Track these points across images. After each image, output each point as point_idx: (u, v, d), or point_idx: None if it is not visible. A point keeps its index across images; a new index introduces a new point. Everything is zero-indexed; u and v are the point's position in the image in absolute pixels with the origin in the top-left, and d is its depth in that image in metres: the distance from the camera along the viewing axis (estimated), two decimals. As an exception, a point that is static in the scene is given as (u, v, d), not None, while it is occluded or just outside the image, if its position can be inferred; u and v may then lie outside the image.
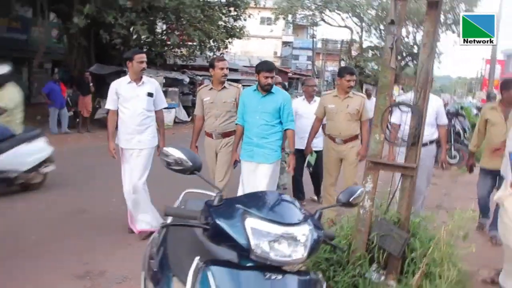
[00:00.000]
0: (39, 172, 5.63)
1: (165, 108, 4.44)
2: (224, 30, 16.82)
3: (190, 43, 16.01)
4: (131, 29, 13.35)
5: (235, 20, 17.66)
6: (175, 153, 1.62)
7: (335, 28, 32.39)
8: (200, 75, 18.47)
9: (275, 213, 1.49)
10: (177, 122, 15.91)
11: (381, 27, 29.95)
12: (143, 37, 13.89)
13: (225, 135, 4.25)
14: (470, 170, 4.76)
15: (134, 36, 13.96)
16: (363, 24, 31.51)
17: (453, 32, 29.01)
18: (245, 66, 25.40)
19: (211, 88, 4.30)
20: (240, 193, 3.97)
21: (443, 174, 7.85)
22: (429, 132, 4.27)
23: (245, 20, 17.88)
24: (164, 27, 16.11)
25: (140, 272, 2.27)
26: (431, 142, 4.54)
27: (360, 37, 32.45)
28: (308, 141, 4.77)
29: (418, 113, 2.73)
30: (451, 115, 9.25)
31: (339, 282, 2.61)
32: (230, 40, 17.41)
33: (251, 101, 3.88)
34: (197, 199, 2.28)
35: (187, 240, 1.96)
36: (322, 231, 1.58)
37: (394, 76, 2.79)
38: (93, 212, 4.92)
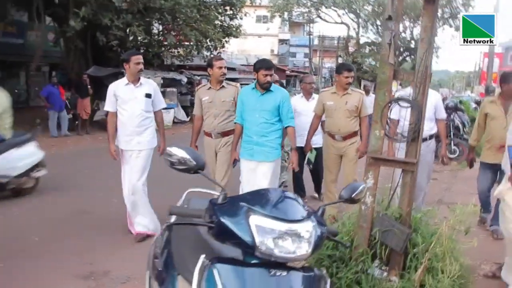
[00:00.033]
0: (31, 176, 5.56)
1: (164, 109, 4.45)
2: (221, 29, 16.80)
3: (187, 43, 15.99)
4: (128, 30, 13.34)
5: (231, 19, 17.64)
6: (178, 152, 1.63)
7: (332, 24, 32.42)
8: (198, 75, 18.46)
9: (278, 210, 1.50)
10: (176, 122, 15.92)
11: (378, 22, 29.98)
12: (139, 38, 13.88)
13: (225, 134, 4.25)
14: (471, 165, 4.74)
15: (131, 38, 13.95)
16: (360, 20, 31.52)
17: (451, 26, 29.05)
18: (242, 65, 25.39)
19: (210, 88, 4.30)
20: (241, 192, 3.97)
21: (443, 169, 7.86)
22: (428, 127, 4.27)
23: (241, 18, 17.86)
24: (161, 27, 16.10)
25: (145, 271, 2.28)
26: (431, 137, 4.54)
27: (357, 33, 32.47)
28: (307, 139, 4.77)
29: (418, 108, 2.73)
30: (450, 109, 9.25)
31: (342, 278, 2.61)
32: (227, 39, 17.40)
33: (250, 99, 3.87)
34: (200, 198, 2.29)
35: (191, 239, 1.97)
36: (325, 228, 1.59)
37: (393, 71, 2.79)
38: (95, 213, 4.93)
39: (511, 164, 2.97)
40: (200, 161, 1.65)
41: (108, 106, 4.11)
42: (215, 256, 1.56)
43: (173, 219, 2.10)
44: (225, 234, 1.48)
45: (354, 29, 32.36)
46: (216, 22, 16.37)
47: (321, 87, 26.37)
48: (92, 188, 6.02)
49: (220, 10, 16.83)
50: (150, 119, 4.15)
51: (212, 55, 14.61)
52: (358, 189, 1.77)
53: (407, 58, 30.71)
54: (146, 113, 4.08)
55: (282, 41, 40.52)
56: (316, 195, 5.79)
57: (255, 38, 35.41)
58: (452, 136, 8.62)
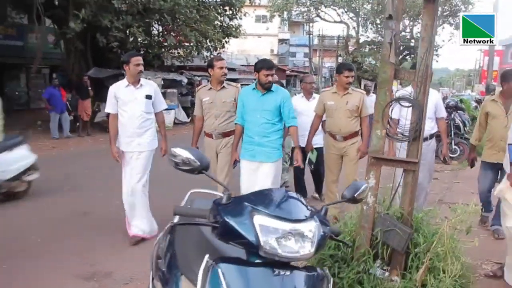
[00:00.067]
0: (23, 180, 5.48)
1: (164, 110, 4.44)
2: (220, 30, 16.81)
3: (187, 44, 15.98)
4: (128, 31, 13.35)
5: (230, 19, 17.64)
6: (183, 153, 1.63)
7: (331, 24, 32.43)
8: (198, 76, 18.48)
9: (282, 210, 1.51)
10: (176, 123, 15.94)
11: (377, 21, 29.99)
12: (139, 39, 13.87)
13: (225, 135, 4.25)
14: (472, 164, 4.73)
15: (131, 39, 13.96)
16: (359, 19, 31.53)
17: (450, 24, 29.05)
18: (242, 65, 25.40)
19: (210, 88, 4.30)
20: (242, 193, 3.96)
21: (444, 169, 7.87)
22: (429, 126, 4.27)
23: (240, 19, 17.86)
24: (160, 28, 16.10)
25: (146, 272, 2.28)
26: (431, 136, 4.54)
27: (357, 32, 32.49)
28: (308, 139, 4.77)
29: (419, 107, 2.73)
30: (450, 108, 9.25)
31: (344, 278, 2.62)
32: (226, 39, 17.40)
33: (251, 100, 3.87)
34: (203, 199, 2.30)
35: (194, 239, 1.98)
36: (328, 227, 1.60)
37: (394, 71, 2.79)
38: (95, 213, 4.94)
39: (511, 163, 2.97)
40: (204, 162, 1.65)
41: (109, 108, 4.11)
42: (219, 256, 1.56)
43: (176, 219, 2.11)
44: (229, 234, 1.49)
45: (354, 28, 32.41)
46: (216, 22, 16.38)
47: (321, 86, 26.38)
48: (93, 189, 6.03)
49: (219, 11, 16.84)
50: (151, 120, 4.14)
51: (212, 56, 14.61)
52: (360, 189, 1.78)
53: (407, 57, 30.70)
54: (147, 115, 4.08)
55: (281, 41, 40.52)
56: (317, 195, 5.79)
57: (254, 38, 35.41)
58: (452, 136, 8.61)
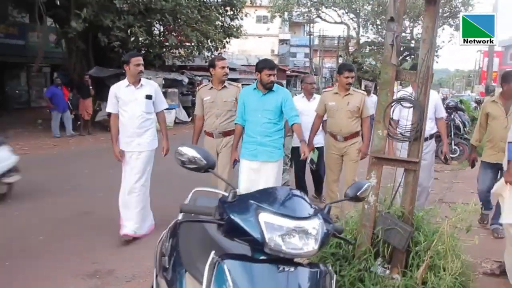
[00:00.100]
0: (2, 182, 5.24)
1: (165, 109, 4.45)
2: (222, 30, 16.84)
3: (188, 44, 16.01)
4: (129, 31, 13.37)
5: (231, 19, 17.67)
6: (189, 152, 1.66)
7: (332, 24, 32.43)
8: (199, 75, 18.51)
9: (286, 207, 1.53)
10: (177, 122, 15.95)
11: (378, 22, 30.01)
12: (141, 39, 13.90)
13: (226, 134, 4.27)
14: (472, 164, 4.74)
15: (132, 39, 13.99)
16: (360, 20, 31.55)
17: (450, 26, 29.07)
18: (243, 65, 25.42)
19: (211, 88, 4.33)
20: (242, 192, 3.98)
21: (444, 169, 7.90)
22: (429, 127, 4.30)
23: (241, 19, 17.89)
24: (162, 28, 16.11)
25: (148, 270, 2.30)
26: (431, 136, 4.58)
27: (357, 33, 32.49)
28: (309, 138, 4.78)
29: (420, 108, 2.76)
30: (450, 109, 9.28)
31: (345, 276, 2.64)
32: (227, 39, 17.43)
33: (252, 100, 3.88)
34: (206, 197, 2.32)
35: (198, 236, 2.00)
36: (331, 225, 1.62)
37: (396, 72, 2.81)
38: (95, 213, 4.95)
39: (509, 161, 3.01)
40: (210, 160, 1.68)
41: (109, 107, 4.13)
42: (223, 253, 1.59)
43: (180, 217, 2.13)
44: (235, 231, 1.51)
45: (354, 28, 32.41)
46: (217, 22, 16.41)
47: (322, 87, 26.41)
48: (93, 188, 6.03)
49: (220, 11, 16.88)
50: (151, 120, 4.15)
51: (213, 56, 14.62)
52: (363, 187, 1.82)
53: (407, 58, 30.71)
54: (147, 115, 4.09)
55: (282, 41, 40.53)
56: (317, 196, 5.79)
57: (255, 38, 35.43)
58: (452, 136, 8.64)
